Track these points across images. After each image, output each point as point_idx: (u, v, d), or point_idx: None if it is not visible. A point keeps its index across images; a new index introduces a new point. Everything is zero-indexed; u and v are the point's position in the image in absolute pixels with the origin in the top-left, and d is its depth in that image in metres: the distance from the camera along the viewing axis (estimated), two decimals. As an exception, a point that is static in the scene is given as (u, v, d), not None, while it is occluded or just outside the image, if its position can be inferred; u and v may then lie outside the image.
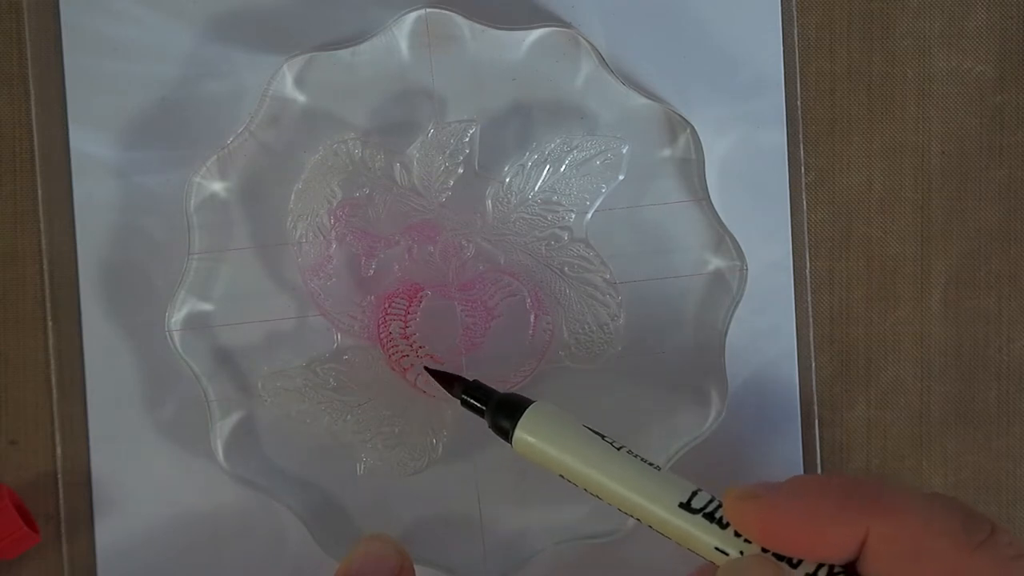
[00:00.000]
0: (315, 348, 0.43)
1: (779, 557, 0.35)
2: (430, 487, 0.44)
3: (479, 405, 0.39)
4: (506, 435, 0.38)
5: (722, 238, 0.44)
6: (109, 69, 0.43)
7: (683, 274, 0.44)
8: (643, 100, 0.43)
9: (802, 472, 0.45)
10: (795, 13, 0.44)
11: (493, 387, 0.40)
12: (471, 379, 0.40)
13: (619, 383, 0.44)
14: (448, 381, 0.41)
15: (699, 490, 0.36)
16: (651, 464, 0.37)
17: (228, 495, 0.42)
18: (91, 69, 0.43)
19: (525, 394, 0.41)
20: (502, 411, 0.39)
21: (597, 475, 0.37)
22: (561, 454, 0.37)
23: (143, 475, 0.44)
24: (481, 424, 0.43)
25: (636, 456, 0.37)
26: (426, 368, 0.41)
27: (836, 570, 0.35)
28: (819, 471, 0.45)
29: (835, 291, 0.46)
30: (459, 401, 0.40)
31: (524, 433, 0.38)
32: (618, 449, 0.37)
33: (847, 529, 0.34)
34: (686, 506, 0.36)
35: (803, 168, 0.45)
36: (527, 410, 0.38)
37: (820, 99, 0.45)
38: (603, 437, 0.38)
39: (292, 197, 0.43)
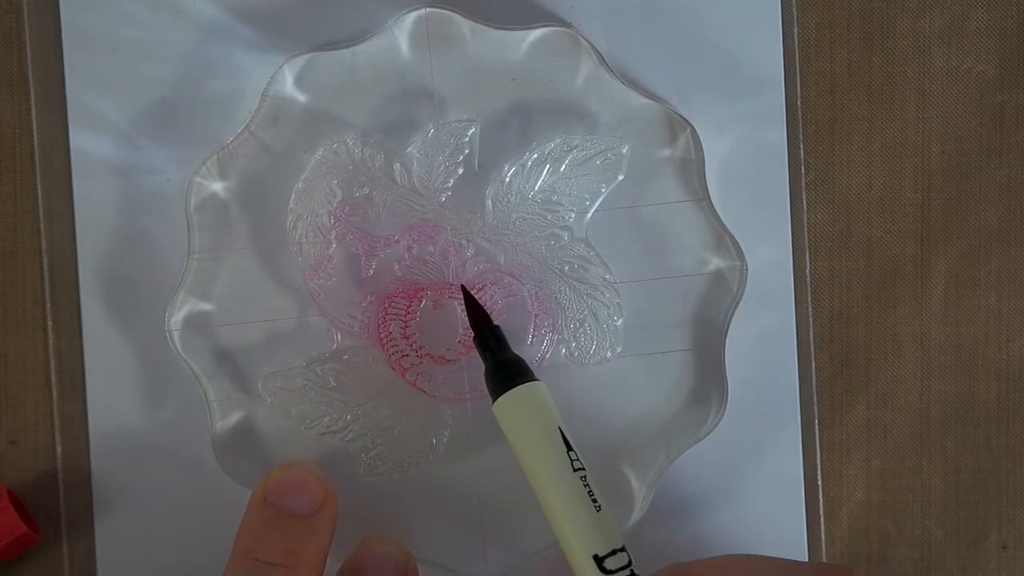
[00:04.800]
0: (315, 348, 0.43)
1: None
2: (430, 487, 0.44)
3: (485, 352, 0.40)
4: (493, 390, 0.39)
5: (722, 238, 0.44)
6: (109, 69, 0.43)
7: (683, 274, 0.44)
8: (643, 100, 0.43)
9: (801, 473, 0.45)
10: (795, 13, 0.44)
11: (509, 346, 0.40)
12: (496, 324, 0.40)
13: (619, 383, 0.44)
14: (477, 314, 0.40)
15: (622, 550, 0.36)
16: (595, 501, 0.37)
17: (228, 495, 0.42)
18: (91, 69, 0.43)
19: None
20: (500, 372, 0.39)
21: (540, 484, 0.37)
22: (522, 445, 0.38)
23: (143, 475, 0.44)
24: (481, 424, 0.43)
25: (586, 486, 0.37)
26: (463, 287, 0.41)
27: None
28: (819, 471, 0.45)
29: (835, 291, 0.46)
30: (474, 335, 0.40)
31: (503, 406, 0.38)
32: (575, 471, 0.37)
33: None
34: (598, 561, 0.36)
35: (803, 168, 0.45)
36: (517, 387, 0.38)
37: (820, 99, 0.45)
38: (569, 450, 0.37)
39: (292, 197, 0.43)
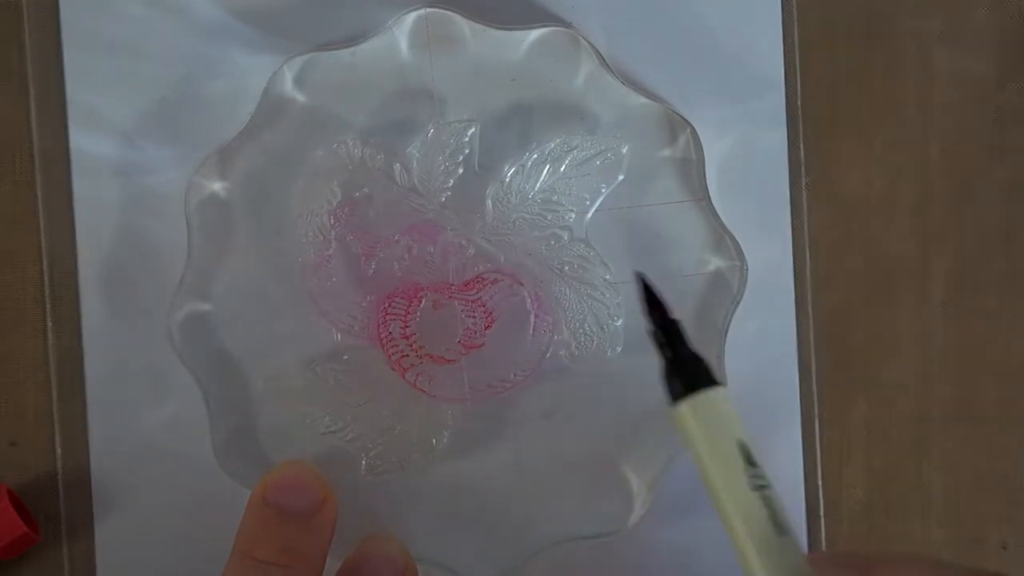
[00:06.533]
0: (315, 348, 0.43)
1: None
2: (430, 487, 0.44)
3: (663, 348, 0.35)
4: (671, 393, 0.34)
5: (722, 238, 0.44)
6: (109, 69, 0.43)
7: (683, 274, 0.44)
8: (643, 100, 0.43)
9: (801, 473, 0.45)
10: (795, 13, 0.44)
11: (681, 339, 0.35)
12: (675, 318, 0.36)
13: (619, 383, 0.44)
14: (654, 305, 0.36)
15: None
16: (777, 524, 0.32)
17: (228, 495, 0.42)
18: (91, 69, 0.43)
19: (526, 395, 0.41)
20: (680, 372, 0.34)
21: (716, 500, 0.33)
22: (699, 456, 0.34)
23: (143, 475, 0.44)
24: (481, 424, 0.43)
25: (766, 507, 0.33)
26: (638, 274, 0.36)
27: None
28: (819, 471, 0.45)
29: (835, 291, 0.46)
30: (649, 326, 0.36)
31: (683, 411, 0.34)
32: (755, 488, 0.33)
33: None
34: None
35: (803, 168, 0.45)
36: (701, 392, 0.34)
37: (820, 99, 0.45)
38: (749, 463, 0.33)
39: (292, 197, 0.43)
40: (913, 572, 0.34)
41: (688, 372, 0.34)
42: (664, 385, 0.35)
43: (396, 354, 0.43)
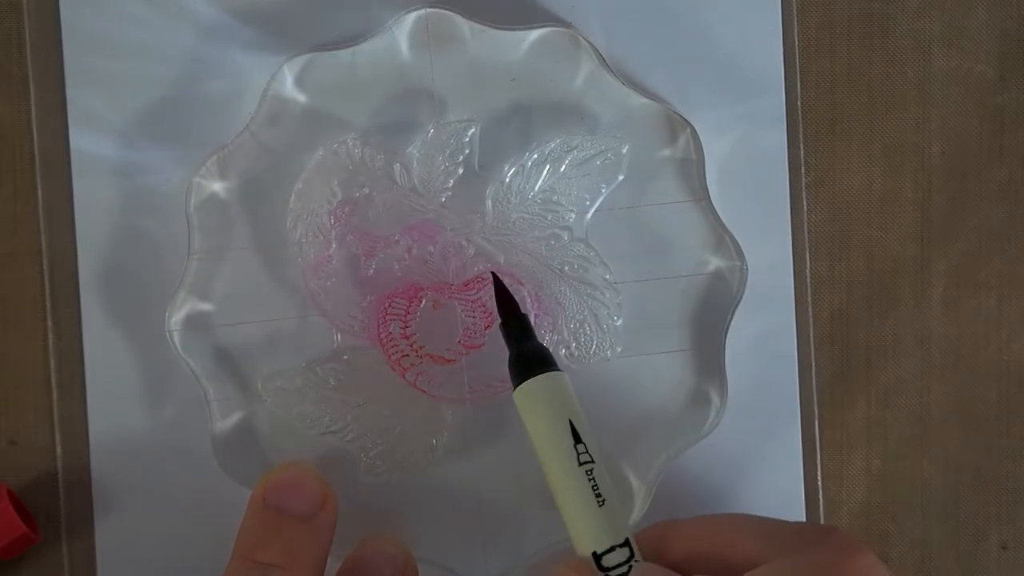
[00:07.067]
0: (315, 348, 0.43)
1: None
2: (430, 487, 0.44)
3: (510, 341, 0.39)
4: (513, 379, 0.39)
5: (722, 238, 0.44)
6: (109, 69, 0.43)
7: (683, 274, 0.44)
8: (643, 100, 0.43)
9: (801, 472, 0.45)
10: (795, 13, 0.44)
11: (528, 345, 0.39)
12: (523, 312, 0.40)
13: (619, 383, 0.44)
14: (505, 301, 0.40)
15: (624, 544, 0.36)
16: (599, 496, 0.36)
17: (228, 495, 0.42)
18: (91, 69, 0.43)
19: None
20: (522, 361, 0.39)
21: (548, 475, 0.37)
22: (534, 435, 0.38)
23: (143, 475, 0.44)
24: (481, 424, 0.43)
25: (591, 480, 0.36)
26: (493, 273, 0.41)
27: None
28: (819, 471, 0.45)
29: (835, 291, 0.46)
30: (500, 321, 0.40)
31: (521, 395, 0.38)
32: (581, 464, 0.37)
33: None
34: (596, 558, 0.36)
35: (803, 168, 0.45)
36: (535, 377, 0.38)
37: (820, 99, 0.45)
38: (578, 442, 0.37)
39: (292, 197, 0.43)
40: (713, 521, 0.37)
41: (529, 360, 0.38)
42: (510, 372, 0.39)
43: (396, 354, 0.43)
